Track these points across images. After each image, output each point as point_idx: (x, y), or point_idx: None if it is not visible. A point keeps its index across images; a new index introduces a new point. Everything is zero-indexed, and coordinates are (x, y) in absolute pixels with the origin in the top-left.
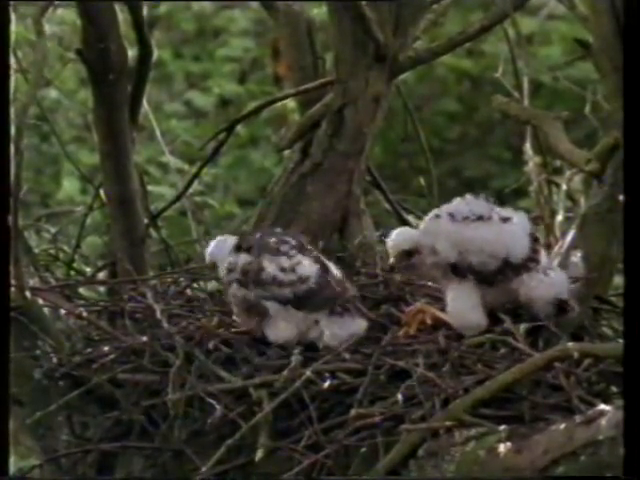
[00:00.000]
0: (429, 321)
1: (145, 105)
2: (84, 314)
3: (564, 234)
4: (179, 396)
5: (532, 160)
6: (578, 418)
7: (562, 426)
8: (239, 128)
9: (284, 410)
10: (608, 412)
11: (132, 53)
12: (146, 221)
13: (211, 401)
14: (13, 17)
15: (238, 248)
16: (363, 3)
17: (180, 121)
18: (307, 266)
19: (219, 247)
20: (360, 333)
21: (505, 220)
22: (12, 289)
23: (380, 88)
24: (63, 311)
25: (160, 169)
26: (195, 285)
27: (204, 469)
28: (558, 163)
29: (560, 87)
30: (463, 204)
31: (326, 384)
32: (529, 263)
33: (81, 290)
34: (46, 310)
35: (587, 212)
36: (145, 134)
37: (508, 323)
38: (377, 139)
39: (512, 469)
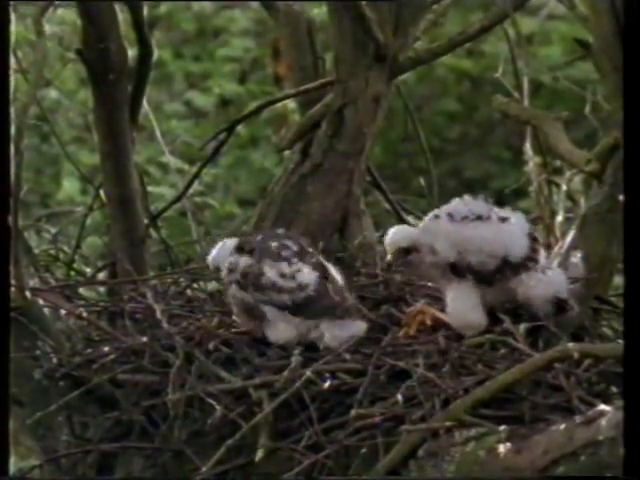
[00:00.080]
0: (429, 322)
1: (145, 105)
2: (84, 314)
3: (564, 234)
4: (179, 396)
5: (532, 160)
6: (578, 418)
7: (562, 426)
8: (239, 128)
9: (284, 410)
10: (608, 412)
11: (132, 53)
12: (146, 221)
13: (211, 401)
14: (13, 17)
15: (240, 249)
16: (363, 3)
17: (180, 121)
18: (306, 274)
19: (220, 252)
20: (360, 334)
21: (503, 220)
22: (12, 289)
23: (380, 88)
24: (63, 311)
25: (160, 169)
26: (195, 285)
27: (204, 469)
28: (558, 163)
29: (560, 87)
30: (462, 204)
31: (326, 384)
32: (528, 262)
33: (81, 290)
34: (46, 310)
35: (587, 212)
36: (145, 134)
37: (508, 323)
38: (377, 139)
39: (512, 469)
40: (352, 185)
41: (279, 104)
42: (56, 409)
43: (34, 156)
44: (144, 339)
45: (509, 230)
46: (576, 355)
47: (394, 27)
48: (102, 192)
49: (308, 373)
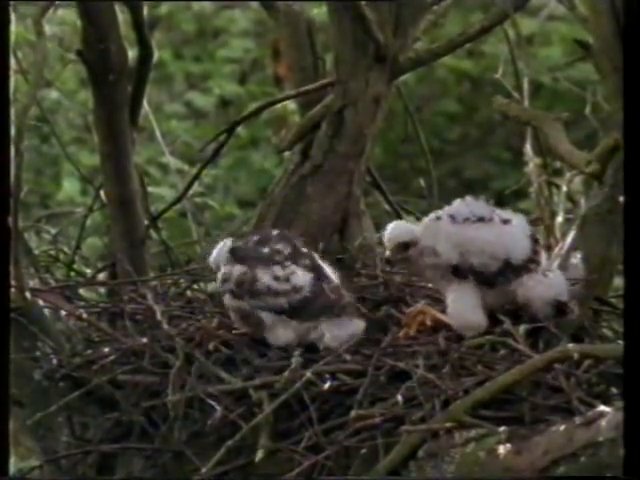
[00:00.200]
0: (429, 323)
1: (145, 106)
2: (84, 315)
3: (564, 235)
4: (179, 397)
5: (532, 161)
6: (578, 419)
7: (562, 427)
8: (239, 129)
9: (284, 411)
10: (608, 413)
11: (132, 54)
12: (146, 222)
13: (211, 402)
14: (13, 17)
15: (232, 254)
16: (363, 3)
17: (180, 122)
18: (301, 275)
19: (221, 253)
20: (359, 333)
21: (506, 222)
22: (12, 290)
23: (380, 89)
24: (63, 312)
25: (160, 170)
26: (195, 286)
27: (204, 470)
28: (558, 164)
29: (560, 88)
30: (463, 205)
31: (326, 385)
32: (530, 265)
33: (81, 291)
34: (46, 311)
35: (587, 213)
36: (145, 135)
37: (508, 324)
38: (377, 140)
39: (512, 470)
40: (352, 186)
41: (279, 105)
42: (56, 410)
43: (34, 157)
44: (144, 340)
45: (511, 232)
46: (576, 356)
47: (394, 27)
48: (102, 193)
49: (308, 374)
